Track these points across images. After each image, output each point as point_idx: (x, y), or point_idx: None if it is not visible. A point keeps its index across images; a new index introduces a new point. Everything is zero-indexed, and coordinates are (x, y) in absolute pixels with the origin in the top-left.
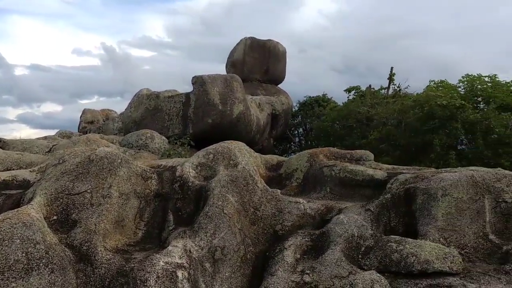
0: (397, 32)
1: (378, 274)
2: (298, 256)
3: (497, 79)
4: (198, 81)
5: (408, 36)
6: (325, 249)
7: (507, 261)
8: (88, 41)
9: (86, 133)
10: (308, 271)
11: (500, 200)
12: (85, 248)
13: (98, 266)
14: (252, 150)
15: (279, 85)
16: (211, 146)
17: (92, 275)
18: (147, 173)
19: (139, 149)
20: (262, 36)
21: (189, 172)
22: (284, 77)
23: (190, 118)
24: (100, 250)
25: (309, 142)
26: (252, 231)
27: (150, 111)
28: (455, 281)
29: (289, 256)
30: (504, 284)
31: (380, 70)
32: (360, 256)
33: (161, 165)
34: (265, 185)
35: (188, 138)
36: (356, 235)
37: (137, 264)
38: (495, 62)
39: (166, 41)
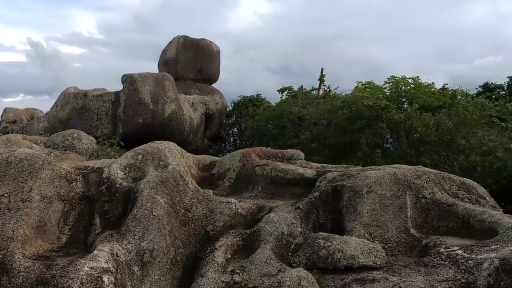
0: (329, 34)
1: (305, 271)
2: (229, 256)
3: (419, 81)
4: (128, 80)
5: (339, 38)
6: (256, 248)
7: (426, 254)
8: (11, 36)
9: (8, 134)
10: (238, 271)
11: (420, 196)
12: (0, 256)
13: (15, 275)
14: (184, 150)
15: (213, 85)
16: (140, 147)
17: (9, 285)
18: (72, 175)
19: (65, 150)
20: (197, 35)
21: (117, 174)
22: (218, 77)
23: (120, 118)
24: (18, 258)
25: (244, 142)
26: (182, 233)
27: (78, 111)
28: (378, 274)
29: (220, 256)
30: (423, 276)
31: (313, 70)
32: (289, 254)
33: (88, 166)
34: (197, 185)
35: (117, 138)
36: (286, 233)
37: (60, 270)
38: (418, 64)
39: (98, 38)
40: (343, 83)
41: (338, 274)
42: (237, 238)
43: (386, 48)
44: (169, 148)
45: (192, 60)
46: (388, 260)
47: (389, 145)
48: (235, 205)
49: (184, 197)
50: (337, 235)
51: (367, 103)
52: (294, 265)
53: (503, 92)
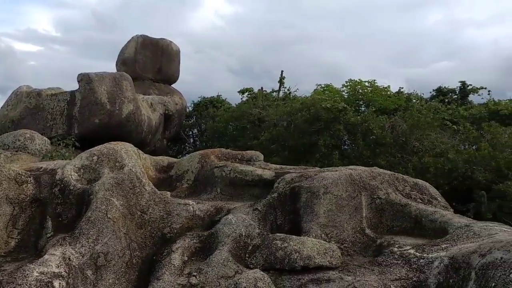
0: (290, 37)
1: (261, 272)
2: (186, 258)
3: (376, 84)
4: (84, 79)
5: (300, 40)
6: (213, 250)
7: (380, 253)
8: None
9: None
10: (195, 273)
11: (375, 196)
12: None
13: None
14: (141, 151)
15: (173, 85)
16: (95, 148)
17: None
18: (22, 177)
19: (16, 151)
20: (158, 34)
21: (71, 175)
22: (178, 77)
23: (75, 118)
24: None
25: (204, 143)
26: (139, 235)
27: (31, 110)
28: (333, 274)
29: (177, 258)
30: (377, 275)
31: (275, 72)
32: (247, 255)
33: (41, 168)
34: (153, 187)
35: (73, 139)
36: (244, 234)
37: (6, 276)
38: (376, 68)
39: (54, 36)
40: (304, 85)
41: (294, 275)
42: (195, 240)
43: (345, 51)
44: (125, 149)
45: (151, 60)
46: (343, 260)
47: (346, 147)
48: (192, 207)
49: (140, 199)
50: (294, 236)
51: (325, 105)
52: (251, 266)
53: (455, 96)
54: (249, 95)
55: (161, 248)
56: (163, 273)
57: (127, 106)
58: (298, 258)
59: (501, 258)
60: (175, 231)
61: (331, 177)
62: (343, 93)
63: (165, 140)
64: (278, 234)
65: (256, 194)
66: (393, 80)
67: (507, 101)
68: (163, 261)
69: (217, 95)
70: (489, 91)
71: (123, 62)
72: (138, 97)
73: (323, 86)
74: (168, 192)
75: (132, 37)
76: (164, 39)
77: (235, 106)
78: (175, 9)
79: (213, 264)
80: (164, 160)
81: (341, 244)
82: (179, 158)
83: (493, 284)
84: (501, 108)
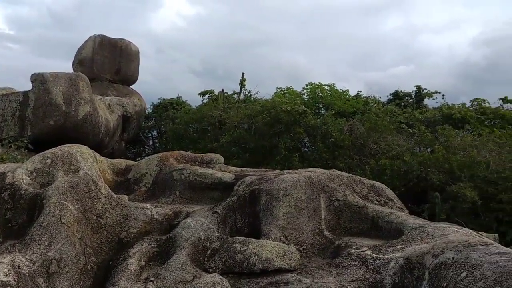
0: (252, 39)
1: (220, 277)
2: (143, 263)
3: (335, 88)
4: (38, 79)
5: (261, 43)
6: (172, 254)
7: (338, 255)
8: None
9: None
10: (152, 278)
11: (333, 198)
12: None
13: None
14: (98, 154)
15: (132, 86)
16: (49, 150)
17: None
18: None
19: None
20: (118, 34)
21: (22, 179)
22: (137, 78)
23: (28, 119)
24: None
25: (163, 146)
26: (94, 240)
27: None
28: (292, 277)
29: (133, 264)
30: (334, 276)
31: (236, 74)
32: (206, 259)
33: None
34: (110, 191)
35: (25, 141)
36: (202, 238)
37: None
38: (336, 71)
39: (7, 33)
40: (264, 88)
41: (253, 278)
42: (152, 245)
43: (306, 54)
44: (81, 152)
45: (109, 60)
46: (302, 262)
47: (306, 149)
48: (150, 211)
49: (96, 203)
50: (253, 239)
51: (286, 108)
52: (210, 270)
53: (411, 100)
54: (210, 97)
55: (117, 253)
56: (119, 279)
57: (84, 108)
58: (257, 261)
59: (453, 258)
60: (132, 235)
61: (290, 180)
62: (303, 96)
63: (124, 142)
64: (237, 237)
65: (216, 197)
66: (353, 83)
67: (460, 105)
68: (119, 266)
69: (177, 97)
70: (443, 95)
71: (80, 62)
72: (95, 98)
73: (283, 89)
74: (126, 196)
75: (90, 37)
76: (123, 39)
77: (195, 108)
78: (135, 9)
79: (171, 269)
80: (122, 163)
81: (300, 246)
82: (138, 160)
83: (445, 284)
84: (454, 112)
